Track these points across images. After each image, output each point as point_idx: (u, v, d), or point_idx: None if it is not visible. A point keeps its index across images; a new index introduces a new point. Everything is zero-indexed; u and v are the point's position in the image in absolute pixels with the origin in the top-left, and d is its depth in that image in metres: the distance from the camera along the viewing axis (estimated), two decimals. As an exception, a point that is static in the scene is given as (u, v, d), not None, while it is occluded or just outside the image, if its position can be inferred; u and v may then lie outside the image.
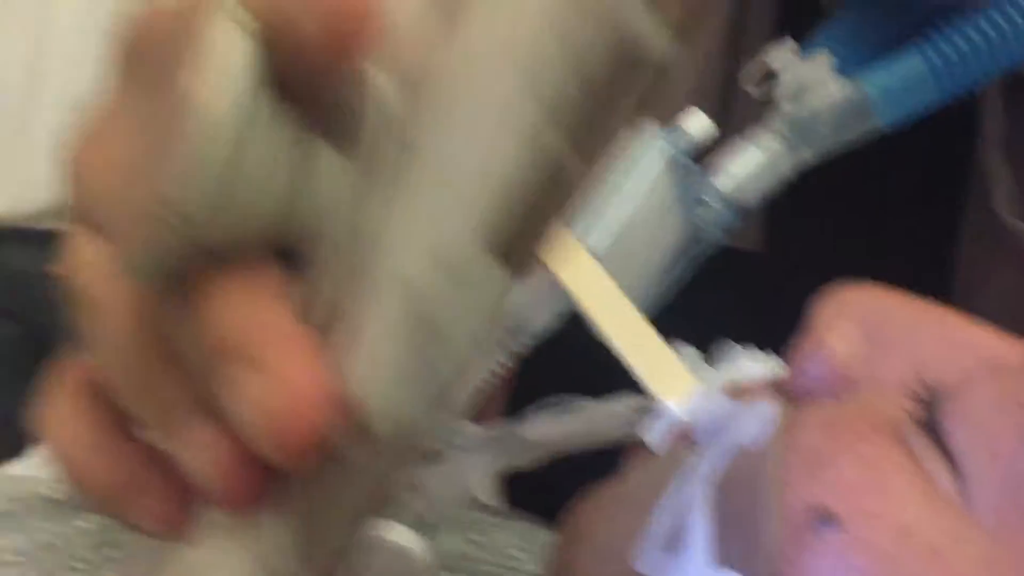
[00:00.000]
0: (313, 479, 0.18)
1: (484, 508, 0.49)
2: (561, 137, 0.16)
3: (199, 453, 0.18)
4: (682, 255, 0.45)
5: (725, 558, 0.23)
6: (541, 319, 0.41)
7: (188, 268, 0.17)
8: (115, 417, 0.21)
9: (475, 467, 0.36)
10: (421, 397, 0.17)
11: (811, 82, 0.43)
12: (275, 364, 0.17)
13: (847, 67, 0.44)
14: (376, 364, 0.17)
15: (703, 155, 0.45)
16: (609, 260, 0.42)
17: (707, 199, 0.43)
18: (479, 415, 0.43)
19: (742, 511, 0.24)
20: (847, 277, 0.31)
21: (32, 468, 0.79)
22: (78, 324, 0.21)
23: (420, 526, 0.37)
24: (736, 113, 0.48)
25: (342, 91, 0.18)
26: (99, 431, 0.21)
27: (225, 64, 0.16)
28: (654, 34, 0.15)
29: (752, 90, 0.45)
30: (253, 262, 0.18)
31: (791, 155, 0.44)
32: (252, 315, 0.17)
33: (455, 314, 0.17)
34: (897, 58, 0.43)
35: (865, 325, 0.27)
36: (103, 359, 0.20)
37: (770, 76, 0.45)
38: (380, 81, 0.17)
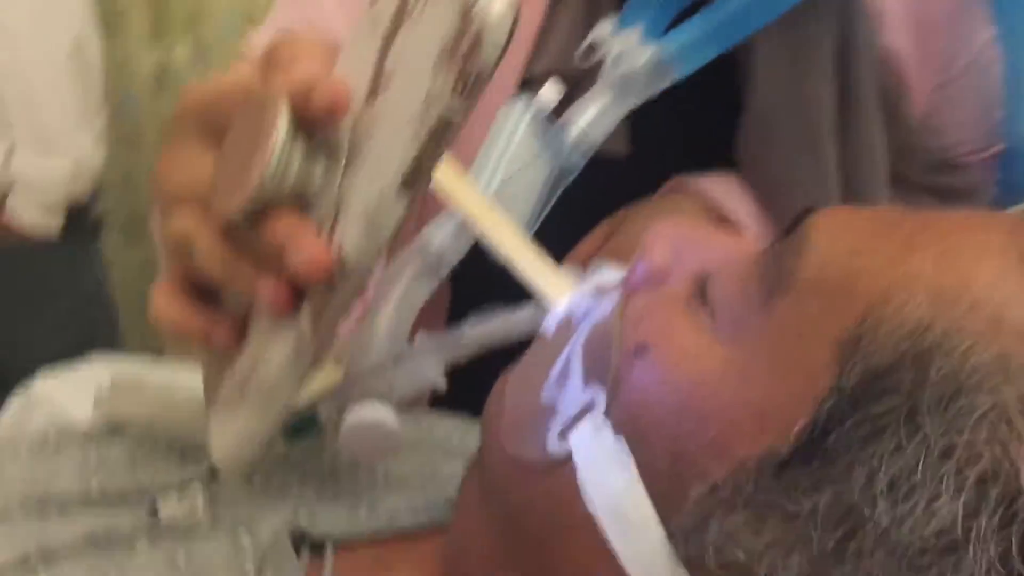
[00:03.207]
0: (320, 294, 0.35)
1: (433, 402, 0.62)
2: (423, 143, 0.32)
3: (264, 290, 0.35)
4: (553, 185, 0.57)
5: (589, 382, 0.36)
6: (458, 252, 0.53)
7: (258, 211, 0.35)
8: (191, 298, 0.39)
9: (428, 365, 0.48)
10: (367, 252, 0.34)
11: (626, 50, 0.56)
12: (305, 243, 0.34)
13: (651, 35, 0.57)
14: (350, 237, 0.34)
15: (560, 112, 0.58)
16: (499, 198, 0.54)
17: (565, 147, 0.56)
18: (427, 326, 0.56)
19: (598, 355, 0.37)
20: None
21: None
22: (173, 253, 0.39)
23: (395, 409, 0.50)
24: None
25: (331, 128, 0.36)
26: (185, 306, 0.39)
27: (282, 123, 0.34)
28: (454, 109, 0.32)
29: (584, 60, 0.58)
30: (288, 207, 0.35)
31: (620, 105, 0.57)
32: (293, 226, 0.35)
33: (385, 214, 0.33)
34: (686, 25, 0.56)
35: (673, 242, 0.40)
36: (201, 261, 0.37)
37: (597, 48, 0.58)
38: (345, 121, 0.35)
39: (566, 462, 0.35)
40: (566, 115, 0.57)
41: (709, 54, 0.56)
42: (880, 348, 0.29)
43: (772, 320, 0.33)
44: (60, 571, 0.46)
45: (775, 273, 0.34)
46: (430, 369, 0.49)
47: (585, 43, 0.58)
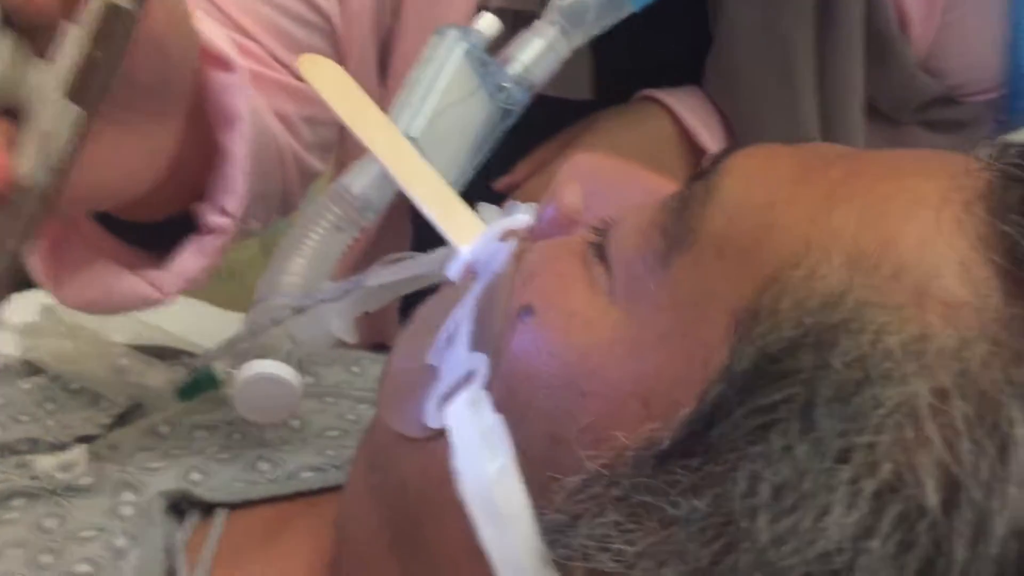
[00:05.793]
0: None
1: (358, 348, 0.57)
2: (88, 42, 0.30)
3: None
4: (493, 129, 0.52)
5: (475, 346, 0.31)
6: (382, 198, 0.49)
7: None
8: None
9: (334, 314, 0.43)
10: (39, 172, 0.31)
11: (578, -21, 0.50)
12: None
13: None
14: (27, 156, 0.31)
15: (500, 48, 0.52)
16: (426, 140, 0.49)
17: (505, 84, 0.50)
18: (340, 274, 0.50)
19: (486, 314, 0.32)
20: None
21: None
22: None
23: (298, 364, 0.45)
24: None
25: (53, 30, 0.31)
26: None
27: None
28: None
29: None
30: None
31: (566, 40, 0.51)
32: None
33: (54, 127, 0.30)
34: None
35: (586, 183, 0.34)
36: None
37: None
38: (72, 27, 0.31)
39: (442, 437, 0.30)
40: (507, 50, 0.50)
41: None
42: (781, 323, 0.23)
43: (669, 282, 0.27)
44: None
45: (678, 225, 0.28)
46: (335, 320, 0.43)
47: None
